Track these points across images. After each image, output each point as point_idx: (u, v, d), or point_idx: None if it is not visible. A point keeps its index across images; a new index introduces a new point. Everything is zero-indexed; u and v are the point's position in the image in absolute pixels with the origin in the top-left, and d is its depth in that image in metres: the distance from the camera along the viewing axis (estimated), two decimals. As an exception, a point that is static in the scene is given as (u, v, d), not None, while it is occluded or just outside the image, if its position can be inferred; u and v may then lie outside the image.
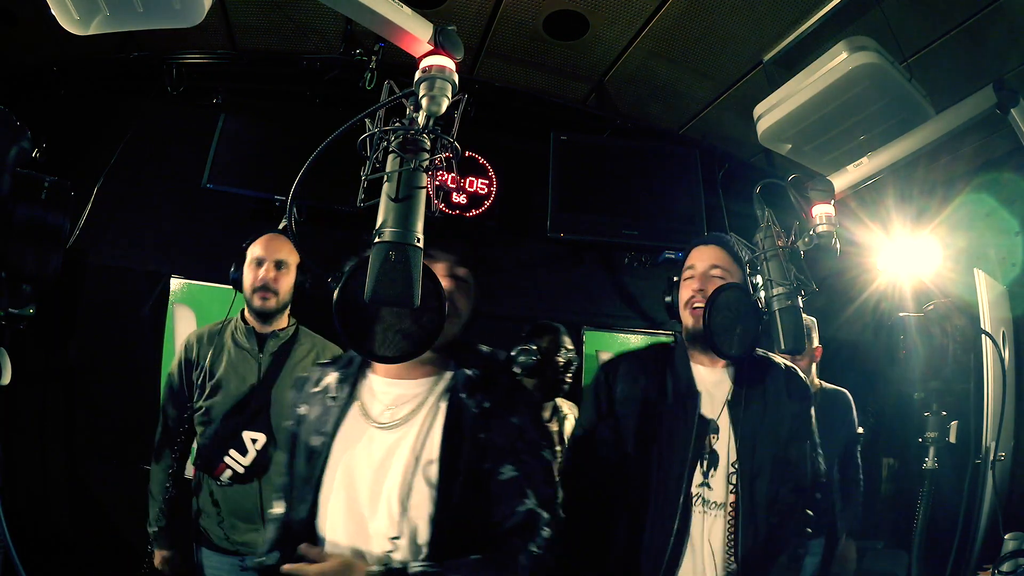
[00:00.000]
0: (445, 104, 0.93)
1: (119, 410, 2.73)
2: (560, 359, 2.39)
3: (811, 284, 1.39)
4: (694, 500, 1.39)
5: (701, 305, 1.46)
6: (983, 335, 2.09)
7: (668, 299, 1.63)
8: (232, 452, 1.91)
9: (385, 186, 0.94)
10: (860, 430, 2.52)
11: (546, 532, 1.09)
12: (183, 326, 2.80)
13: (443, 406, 1.14)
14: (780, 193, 1.47)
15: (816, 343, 2.47)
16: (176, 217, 2.94)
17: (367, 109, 0.97)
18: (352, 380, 1.19)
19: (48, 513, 2.65)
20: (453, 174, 3.04)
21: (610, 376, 1.59)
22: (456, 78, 0.96)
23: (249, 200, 2.88)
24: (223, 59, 2.90)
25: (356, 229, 1.15)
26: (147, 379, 2.74)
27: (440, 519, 1.06)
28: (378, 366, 1.18)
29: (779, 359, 1.56)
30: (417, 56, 0.99)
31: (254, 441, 1.91)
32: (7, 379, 1.05)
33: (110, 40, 2.67)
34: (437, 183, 1.14)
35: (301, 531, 1.12)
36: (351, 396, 1.18)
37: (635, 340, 3.36)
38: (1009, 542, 1.73)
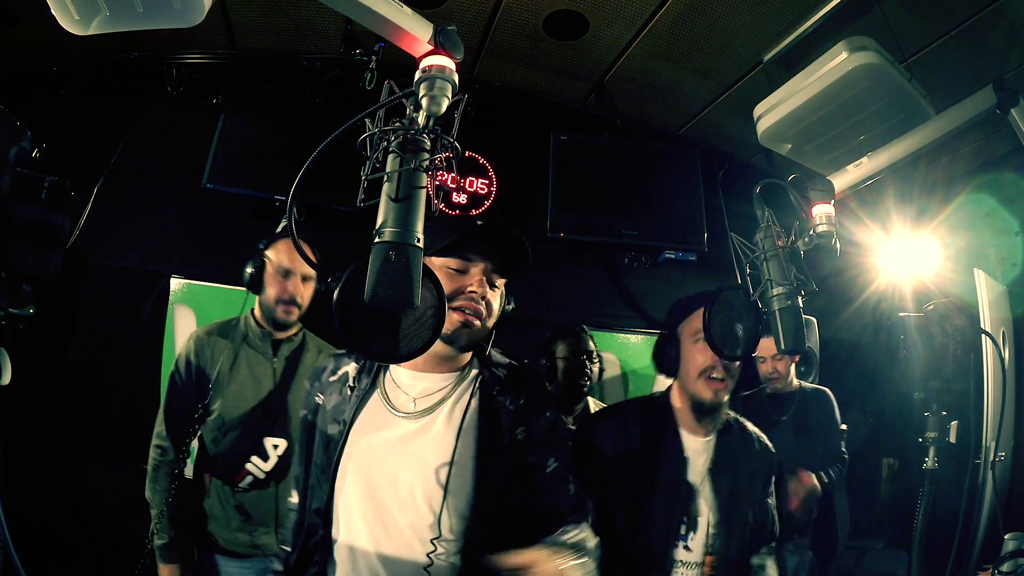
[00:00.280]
0: (445, 104, 0.93)
1: (119, 410, 2.73)
2: (584, 361, 2.42)
3: (811, 284, 1.39)
4: (675, 564, 1.42)
5: (721, 377, 1.43)
6: (983, 335, 2.09)
7: (661, 358, 1.55)
8: (254, 459, 1.88)
9: (385, 186, 0.94)
10: (843, 427, 2.54)
11: (592, 515, 1.17)
12: (183, 326, 2.80)
13: (474, 404, 1.17)
14: (780, 193, 1.47)
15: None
16: (176, 217, 2.94)
17: (367, 109, 0.96)
18: (373, 370, 1.20)
19: (48, 513, 2.65)
20: (453, 174, 3.04)
21: (598, 431, 1.55)
22: (456, 78, 0.96)
23: (249, 200, 2.88)
24: (223, 59, 2.90)
25: (356, 229, 1.16)
26: (147, 379, 2.74)
27: (478, 514, 1.11)
28: None
29: (750, 425, 1.60)
30: (417, 56, 0.99)
31: (275, 447, 1.89)
32: (7, 379, 1.05)
33: (110, 40, 2.67)
34: (437, 183, 1.14)
35: (317, 519, 1.14)
36: (372, 385, 1.19)
37: (635, 340, 3.36)
38: (1009, 542, 1.73)
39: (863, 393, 3.37)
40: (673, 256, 3.23)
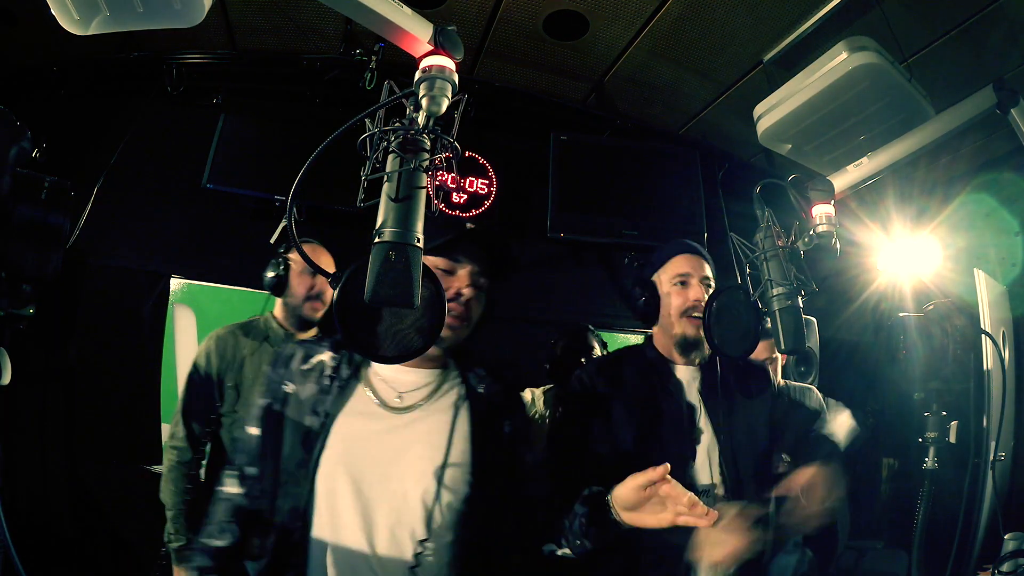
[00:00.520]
0: (445, 104, 0.93)
1: (119, 410, 2.73)
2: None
3: (811, 284, 1.40)
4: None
5: (700, 315, 1.49)
6: (983, 335, 2.09)
7: (643, 301, 1.60)
8: None
9: (385, 186, 0.94)
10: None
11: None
12: (183, 326, 2.80)
13: (463, 400, 1.18)
14: (780, 193, 1.47)
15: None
16: (176, 217, 2.94)
17: (367, 109, 0.96)
18: (354, 361, 1.17)
19: (48, 513, 2.65)
20: (453, 174, 3.04)
21: (590, 377, 1.61)
22: (456, 78, 0.96)
23: (249, 200, 2.88)
24: (223, 59, 2.90)
25: (356, 229, 1.16)
26: (147, 379, 2.74)
27: (471, 508, 1.12)
28: None
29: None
30: (417, 56, 0.99)
31: None
32: (7, 379, 1.05)
33: (110, 40, 2.67)
34: (437, 183, 1.14)
35: (292, 520, 1.07)
36: (354, 377, 1.15)
37: (635, 340, 3.35)
38: (1009, 542, 1.73)
39: (863, 393, 3.37)
40: (673, 256, 3.23)
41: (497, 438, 1.21)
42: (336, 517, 1.07)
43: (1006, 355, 2.34)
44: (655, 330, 1.64)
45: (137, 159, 2.92)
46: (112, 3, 1.12)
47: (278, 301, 2.07)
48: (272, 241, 2.79)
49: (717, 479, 1.43)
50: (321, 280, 2.00)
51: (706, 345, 1.53)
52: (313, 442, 1.08)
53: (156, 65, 2.86)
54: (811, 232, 1.41)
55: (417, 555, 1.06)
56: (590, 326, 2.56)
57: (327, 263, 2.03)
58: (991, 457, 2.10)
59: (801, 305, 1.38)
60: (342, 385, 1.13)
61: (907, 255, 2.69)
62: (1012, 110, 1.45)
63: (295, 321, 2.05)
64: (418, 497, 1.09)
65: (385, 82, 1.01)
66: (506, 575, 1.22)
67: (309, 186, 1.03)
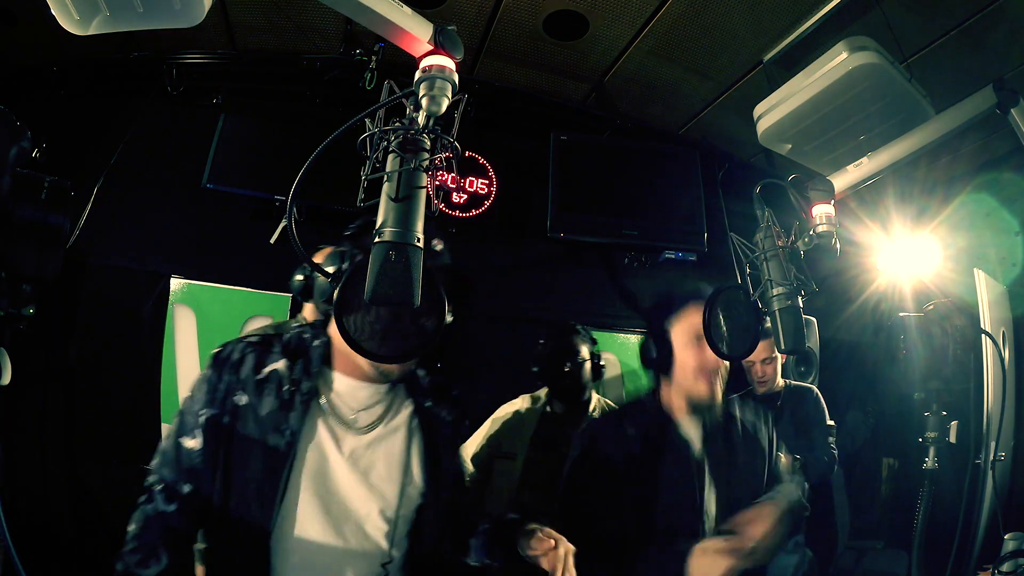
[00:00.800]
0: (445, 104, 0.93)
1: (119, 410, 2.73)
2: (571, 362, 2.32)
3: (811, 284, 1.39)
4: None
5: (719, 377, 1.46)
6: (983, 335, 2.09)
7: (656, 357, 1.54)
8: None
9: (385, 186, 0.93)
10: (831, 423, 2.54)
11: None
12: (183, 326, 2.80)
13: (414, 417, 1.18)
14: (780, 193, 1.47)
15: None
16: (176, 217, 2.94)
17: (367, 109, 0.96)
18: (309, 372, 1.09)
19: (48, 513, 2.65)
20: (453, 174, 3.04)
21: (594, 438, 1.57)
22: (456, 78, 0.96)
23: (249, 200, 2.88)
24: (223, 59, 2.90)
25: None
26: (147, 379, 2.74)
27: (424, 517, 1.14)
28: (337, 362, 1.13)
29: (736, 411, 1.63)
30: (417, 56, 0.99)
31: None
32: (7, 379, 1.05)
33: (110, 40, 2.67)
34: (437, 183, 1.14)
35: (251, 539, 1.01)
36: (312, 391, 1.08)
37: (635, 340, 3.35)
38: (1009, 542, 1.73)
39: (863, 393, 3.37)
40: (673, 256, 3.23)
41: (447, 454, 1.21)
42: (307, 544, 1.04)
43: (1006, 355, 2.35)
44: (667, 383, 1.55)
45: (137, 159, 2.93)
46: (112, 3, 1.12)
47: (308, 305, 2.06)
48: (272, 241, 2.79)
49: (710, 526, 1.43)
50: None
51: (719, 408, 1.49)
52: (280, 463, 1.02)
53: (156, 65, 2.86)
54: (811, 232, 1.41)
55: (384, 564, 1.08)
56: (579, 326, 2.44)
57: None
58: (991, 457, 2.10)
59: (801, 305, 1.38)
60: (304, 400, 1.06)
61: (907, 255, 2.69)
62: (1012, 110, 1.45)
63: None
64: (381, 517, 1.09)
65: (385, 82, 1.01)
66: None
67: (309, 186, 1.03)
